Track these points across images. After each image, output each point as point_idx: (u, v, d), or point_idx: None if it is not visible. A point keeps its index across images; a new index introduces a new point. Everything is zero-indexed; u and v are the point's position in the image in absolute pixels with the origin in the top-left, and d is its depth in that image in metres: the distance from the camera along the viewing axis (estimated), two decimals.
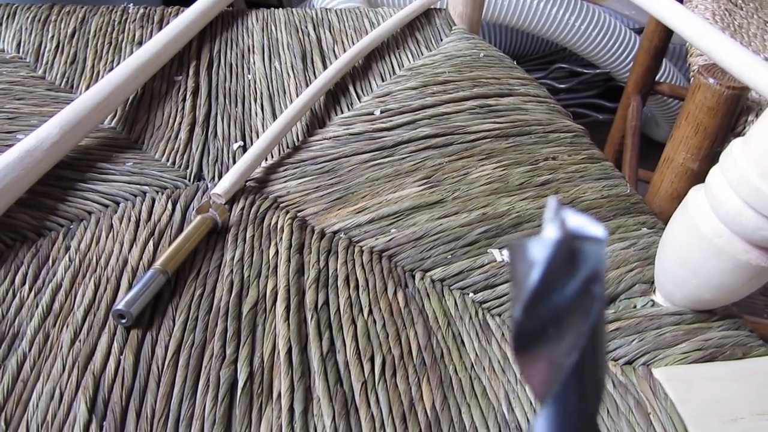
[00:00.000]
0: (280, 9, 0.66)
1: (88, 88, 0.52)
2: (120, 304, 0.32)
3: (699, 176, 0.45)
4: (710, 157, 0.51)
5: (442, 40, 0.65)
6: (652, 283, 0.38)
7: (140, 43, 0.58)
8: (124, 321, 0.33)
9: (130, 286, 0.36)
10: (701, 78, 0.49)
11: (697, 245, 0.33)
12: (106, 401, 0.29)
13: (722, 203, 0.31)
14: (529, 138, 0.50)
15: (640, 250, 0.40)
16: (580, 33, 1.13)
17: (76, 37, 0.58)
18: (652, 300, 0.37)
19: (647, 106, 1.22)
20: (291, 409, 0.29)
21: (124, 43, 0.59)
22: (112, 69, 0.52)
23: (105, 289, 0.36)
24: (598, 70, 1.24)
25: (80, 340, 0.32)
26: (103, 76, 0.51)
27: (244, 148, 0.49)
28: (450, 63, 0.59)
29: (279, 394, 0.30)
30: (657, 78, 0.95)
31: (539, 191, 0.44)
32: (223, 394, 0.30)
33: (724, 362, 0.34)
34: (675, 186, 0.54)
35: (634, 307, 0.37)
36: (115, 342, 0.32)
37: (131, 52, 0.56)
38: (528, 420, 0.30)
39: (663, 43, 0.89)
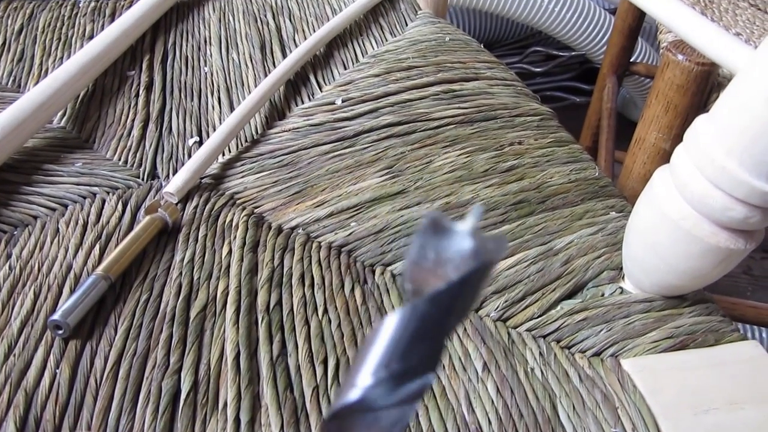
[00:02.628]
0: None
1: None
2: (56, 314, 0.31)
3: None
4: (682, 136, 0.50)
5: (407, 25, 0.63)
6: (621, 269, 0.36)
7: (91, 38, 0.56)
8: (61, 332, 0.31)
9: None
10: (670, 55, 0.48)
11: (663, 229, 0.31)
12: (38, 419, 0.27)
13: (687, 184, 0.30)
14: (494, 123, 0.48)
15: (608, 236, 0.39)
16: (554, 15, 1.11)
17: (23, 33, 0.56)
18: (620, 287, 0.36)
19: (625, 88, 1.21)
20: (237, 420, 0.28)
21: (74, 38, 0.56)
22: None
23: (45, 298, 0.34)
24: (573, 53, 1.22)
25: (14, 354, 0.30)
26: None
27: (200, 144, 0.47)
28: (414, 48, 0.57)
29: (225, 404, 0.28)
30: (633, 58, 0.94)
31: (504, 177, 0.43)
32: (164, 406, 0.28)
33: (696, 350, 0.32)
34: (648, 167, 0.52)
35: (602, 295, 0.35)
36: (51, 355, 0.30)
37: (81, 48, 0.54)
38: (489, 420, 0.28)
39: (637, 22, 0.88)
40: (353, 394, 0.10)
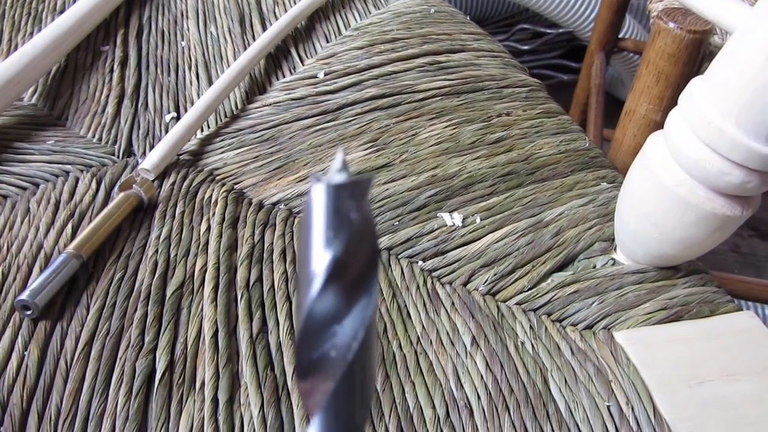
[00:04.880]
0: None
1: None
2: (23, 294, 0.29)
3: (662, 128, 0.43)
4: (673, 107, 0.49)
5: None
6: (613, 240, 0.35)
7: (62, 12, 0.54)
8: (29, 312, 0.29)
9: None
10: (661, 23, 0.46)
11: (657, 196, 0.30)
12: (4, 403, 0.26)
13: (682, 148, 0.29)
14: (481, 94, 0.46)
15: (599, 206, 0.38)
16: None
17: None
18: (612, 259, 0.35)
19: (612, 66, 1.19)
20: (215, 399, 0.26)
21: (44, 12, 0.54)
22: None
23: (14, 278, 0.32)
24: (561, 30, 1.21)
25: None
26: None
27: (178, 120, 0.45)
28: (399, 20, 0.55)
29: (202, 383, 0.27)
30: (620, 35, 0.92)
31: (492, 149, 0.41)
32: (138, 387, 0.26)
33: (691, 321, 0.31)
34: (638, 140, 0.51)
35: (594, 267, 0.34)
36: (19, 336, 0.29)
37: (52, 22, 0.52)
38: (478, 396, 0.27)
39: None
40: (307, 299, 0.11)
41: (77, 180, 0.39)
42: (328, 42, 0.54)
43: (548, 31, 1.25)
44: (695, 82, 0.29)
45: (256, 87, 0.49)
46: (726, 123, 0.27)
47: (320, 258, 0.11)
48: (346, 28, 0.56)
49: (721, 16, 0.33)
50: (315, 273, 0.11)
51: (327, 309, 0.11)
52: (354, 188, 0.11)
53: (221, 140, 0.44)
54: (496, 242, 0.35)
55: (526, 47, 1.27)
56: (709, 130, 0.27)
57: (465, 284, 0.33)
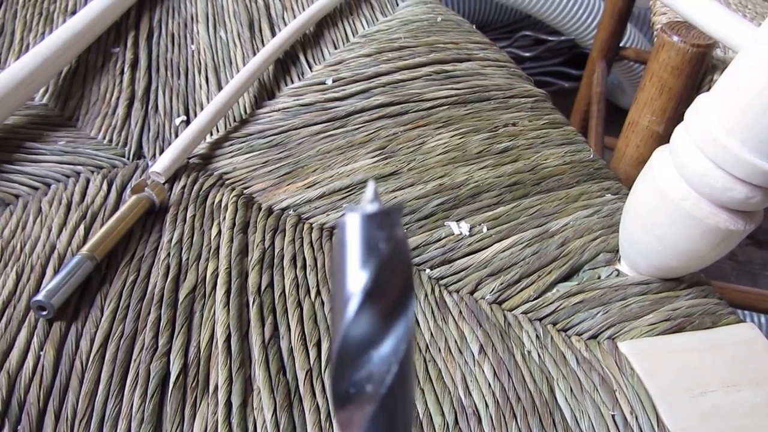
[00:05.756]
0: None
1: None
2: (39, 295, 0.30)
3: (664, 140, 0.44)
4: (676, 119, 0.49)
5: (398, 5, 0.62)
6: (617, 251, 0.36)
7: (74, 13, 0.54)
8: (45, 313, 0.30)
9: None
10: (665, 36, 0.47)
11: (662, 210, 0.31)
12: (22, 403, 0.26)
13: (688, 164, 0.29)
14: (488, 104, 0.47)
15: (604, 218, 0.38)
16: None
17: (3, 8, 0.54)
18: (617, 270, 0.35)
19: (613, 74, 1.20)
20: (228, 403, 0.27)
21: (56, 13, 0.55)
22: None
23: (28, 278, 0.33)
24: (563, 37, 1.22)
25: None
26: None
27: (188, 123, 0.46)
28: (406, 28, 0.56)
29: (216, 387, 0.27)
30: (622, 43, 0.93)
31: (499, 159, 0.42)
32: (153, 390, 0.27)
33: (693, 332, 0.32)
34: (640, 151, 0.52)
35: (599, 277, 0.35)
36: (35, 336, 0.29)
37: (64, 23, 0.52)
38: (486, 403, 0.28)
39: (627, 6, 0.87)
40: (343, 320, 0.11)
41: (88, 181, 0.40)
42: (336, 48, 0.54)
43: (550, 38, 1.26)
44: (701, 99, 0.30)
45: (265, 92, 0.49)
46: (730, 140, 0.27)
47: (356, 279, 0.11)
48: (353, 35, 0.56)
49: (726, 34, 0.33)
50: (351, 294, 0.11)
51: (363, 332, 0.11)
52: (383, 218, 0.11)
53: (230, 145, 0.44)
54: (503, 251, 0.36)
55: (527, 54, 1.27)
56: (714, 146, 0.28)
57: (472, 293, 0.34)
